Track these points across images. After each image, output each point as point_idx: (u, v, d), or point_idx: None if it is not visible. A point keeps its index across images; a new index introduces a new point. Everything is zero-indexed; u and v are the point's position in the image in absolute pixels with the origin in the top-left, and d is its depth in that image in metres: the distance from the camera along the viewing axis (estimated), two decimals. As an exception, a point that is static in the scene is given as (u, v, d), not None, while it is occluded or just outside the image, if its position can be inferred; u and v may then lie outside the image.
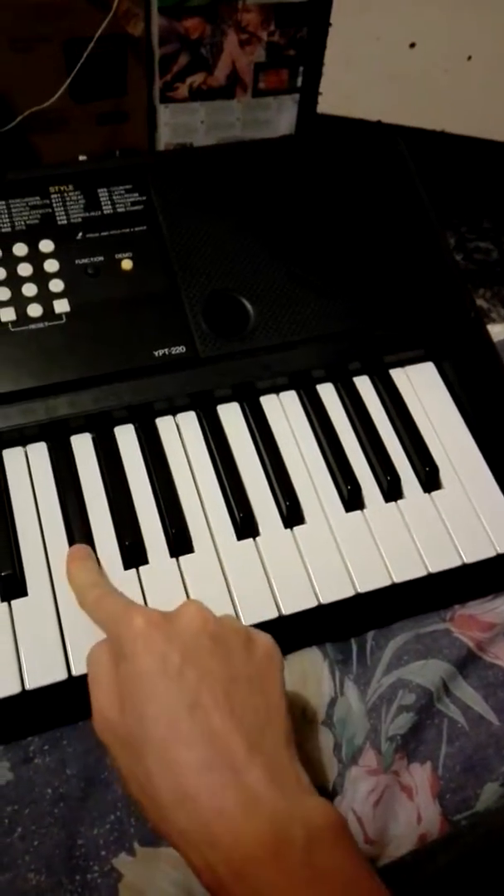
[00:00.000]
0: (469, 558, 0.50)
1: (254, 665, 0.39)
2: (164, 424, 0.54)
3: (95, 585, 0.45)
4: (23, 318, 0.52)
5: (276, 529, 0.50)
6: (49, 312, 0.53)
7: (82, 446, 0.52)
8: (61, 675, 0.44)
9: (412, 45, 1.35)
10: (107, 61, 1.50)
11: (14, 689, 0.43)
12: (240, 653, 0.39)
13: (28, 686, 0.43)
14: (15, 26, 1.40)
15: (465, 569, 0.50)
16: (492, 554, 0.51)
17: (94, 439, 0.52)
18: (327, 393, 0.57)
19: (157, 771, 0.35)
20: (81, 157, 1.61)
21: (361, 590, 0.48)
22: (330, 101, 1.47)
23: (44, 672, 0.44)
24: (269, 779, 0.34)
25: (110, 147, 1.65)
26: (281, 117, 1.67)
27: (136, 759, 0.37)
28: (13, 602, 0.46)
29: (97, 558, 0.48)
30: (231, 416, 0.55)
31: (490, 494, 0.53)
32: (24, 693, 0.43)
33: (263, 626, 0.46)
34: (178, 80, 1.59)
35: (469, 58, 1.33)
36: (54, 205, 0.56)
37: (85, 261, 0.55)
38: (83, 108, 1.57)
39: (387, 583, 0.49)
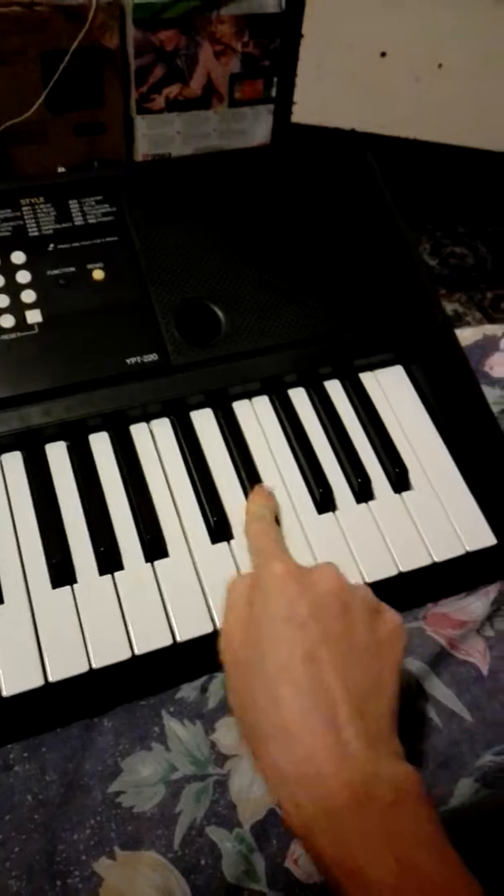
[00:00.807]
0: (439, 557, 0.51)
1: (374, 637, 0.41)
2: (139, 431, 0.54)
3: (261, 520, 0.49)
4: (-5, 329, 0.53)
5: (250, 533, 0.51)
6: (21, 323, 0.53)
7: (57, 455, 0.53)
8: (38, 682, 0.44)
9: (383, 55, 1.37)
10: (83, 73, 1.51)
11: (-9, 696, 0.43)
12: (364, 623, 0.41)
13: (5, 693, 0.43)
14: (-10, 40, 1.40)
15: (435, 567, 0.51)
16: (461, 552, 0.52)
17: (68, 447, 0.53)
18: (299, 397, 0.58)
19: (264, 701, 0.38)
20: (60, 169, 1.62)
21: (334, 590, 0.49)
22: (304, 111, 1.48)
23: (20, 679, 0.44)
24: (364, 741, 0.36)
25: (88, 158, 1.66)
26: (257, 127, 1.69)
27: (246, 684, 0.40)
28: (-11, 610, 0.46)
29: (73, 566, 0.48)
30: (204, 422, 0.55)
31: (459, 494, 0.54)
32: (1, 700, 0.43)
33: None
34: (154, 91, 1.60)
35: (440, 66, 1.36)
36: (25, 217, 0.57)
37: (56, 272, 0.55)
38: (61, 119, 1.58)
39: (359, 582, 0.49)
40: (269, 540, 0.47)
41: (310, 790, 0.36)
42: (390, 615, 0.42)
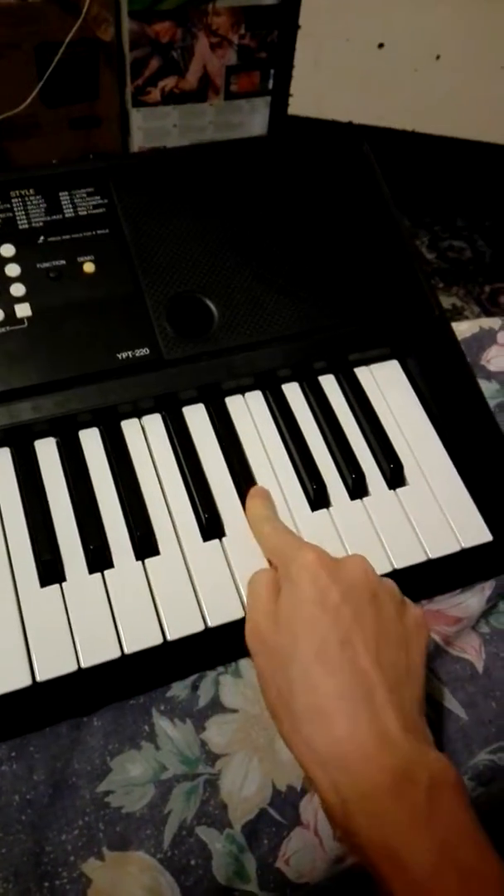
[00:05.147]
0: (434, 554, 0.50)
1: (403, 627, 0.42)
2: (130, 427, 0.54)
3: (271, 520, 0.49)
4: (-16, 323, 0.52)
5: (243, 530, 0.50)
6: (10, 317, 0.52)
7: (47, 451, 0.52)
8: (25, 682, 0.43)
9: (381, 46, 1.35)
10: (78, 66, 1.50)
11: (-22, 696, 0.43)
12: (392, 612, 0.42)
13: (-8, 693, 0.43)
14: (-16, 32, 1.39)
15: (430, 564, 0.50)
16: (457, 549, 0.51)
17: (58, 443, 0.52)
18: (292, 392, 0.57)
19: (299, 684, 0.39)
20: (55, 162, 1.61)
21: (328, 588, 0.48)
22: (300, 103, 1.47)
23: (7, 679, 0.43)
24: (401, 724, 0.37)
25: (84, 151, 1.65)
26: (253, 120, 1.68)
27: (280, 669, 0.40)
28: (-23, 609, 0.45)
29: (62, 564, 0.47)
30: (196, 417, 0.55)
31: (454, 490, 0.53)
32: (-11, 700, 0.43)
33: (230, 626, 0.46)
34: (150, 84, 1.59)
35: (437, 57, 1.34)
36: (15, 209, 0.56)
37: (47, 265, 0.54)
38: (55, 112, 1.57)
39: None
40: (287, 535, 0.48)
41: (349, 771, 0.36)
42: (415, 608, 0.44)
